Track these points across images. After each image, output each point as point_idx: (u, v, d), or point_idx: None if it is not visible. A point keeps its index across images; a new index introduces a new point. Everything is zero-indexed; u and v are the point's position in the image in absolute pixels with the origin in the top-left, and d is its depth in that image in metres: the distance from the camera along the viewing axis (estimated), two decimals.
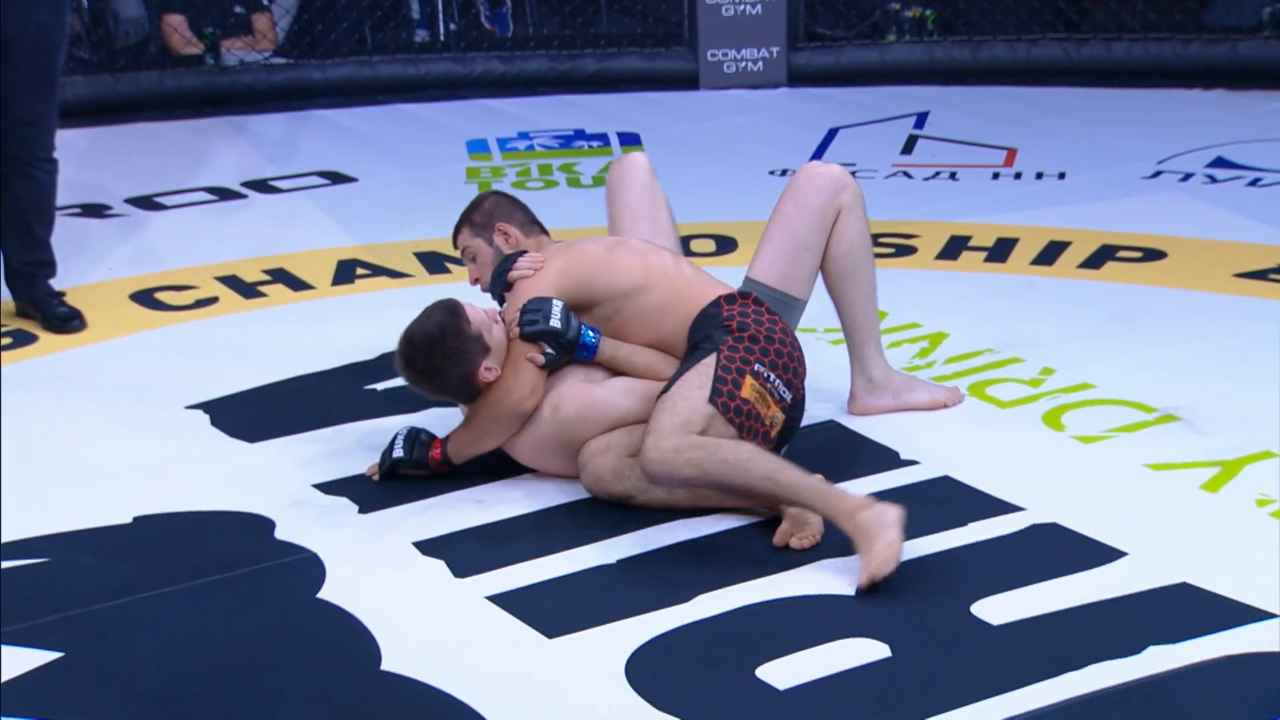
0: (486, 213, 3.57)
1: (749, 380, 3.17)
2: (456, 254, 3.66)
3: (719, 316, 3.31)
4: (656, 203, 3.71)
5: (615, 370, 3.36)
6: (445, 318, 3.26)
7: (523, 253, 3.45)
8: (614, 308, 3.36)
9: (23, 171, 4.38)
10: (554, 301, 3.28)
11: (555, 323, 3.24)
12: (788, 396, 3.25)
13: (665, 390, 3.16)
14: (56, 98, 4.42)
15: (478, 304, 3.37)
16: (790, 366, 3.26)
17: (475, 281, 3.59)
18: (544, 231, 3.60)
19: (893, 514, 2.91)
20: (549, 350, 3.26)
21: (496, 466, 3.37)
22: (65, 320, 4.44)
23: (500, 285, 3.42)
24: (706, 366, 3.17)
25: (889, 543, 2.87)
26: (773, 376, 3.21)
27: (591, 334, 3.31)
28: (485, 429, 3.31)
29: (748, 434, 3.15)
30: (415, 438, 3.37)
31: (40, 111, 4.36)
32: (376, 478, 3.39)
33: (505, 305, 3.39)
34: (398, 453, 3.35)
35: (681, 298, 3.37)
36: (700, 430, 3.08)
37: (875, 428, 3.60)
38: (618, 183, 3.74)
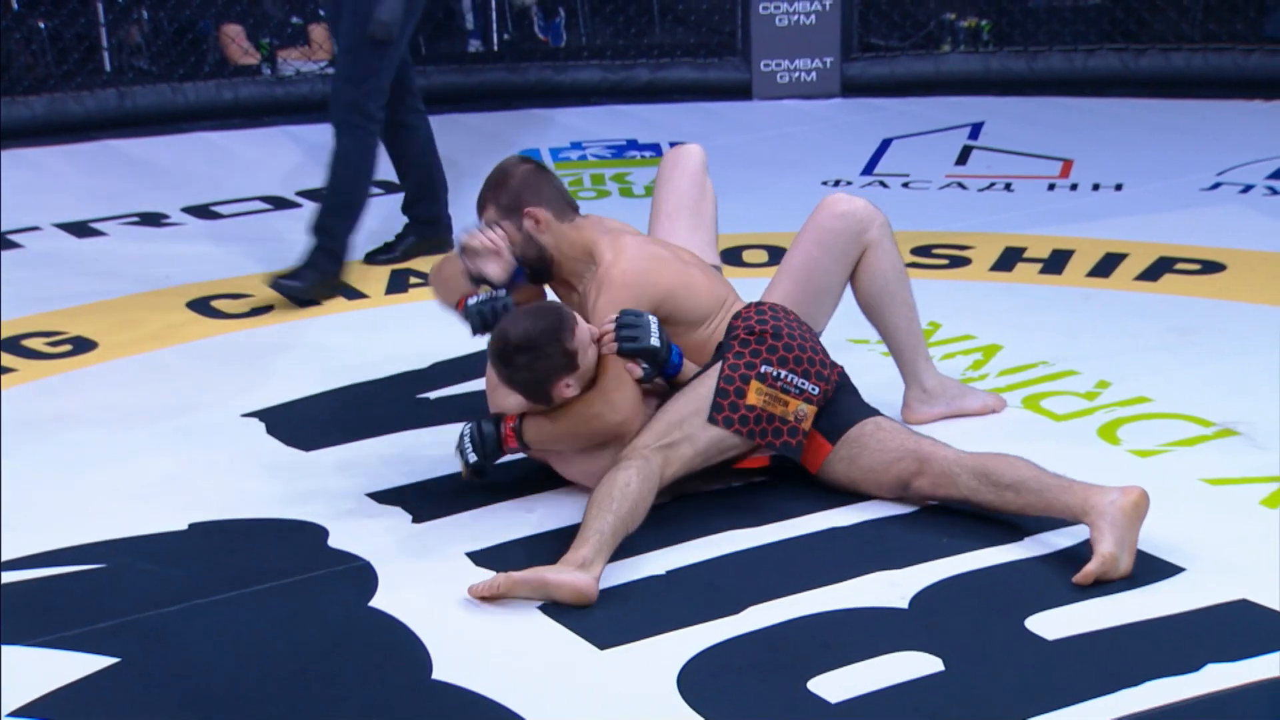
0: (514, 193, 3.37)
1: (754, 385, 3.19)
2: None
3: (731, 329, 3.30)
4: (704, 197, 3.69)
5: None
6: (552, 324, 3.13)
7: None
8: (683, 330, 3.34)
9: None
10: (649, 317, 3.21)
11: (654, 341, 3.19)
12: (810, 388, 3.23)
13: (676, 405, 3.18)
14: (367, 60, 4.82)
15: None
16: (805, 358, 3.24)
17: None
18: (575, 209, 3.44)
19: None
20: (644, 366, 3.21)
21: (547, 477, 3.37)
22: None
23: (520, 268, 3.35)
24: (709, 383, 3.20)
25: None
26: (783, 373, 3.21)
27: (676, 353, 3.27)
28: (576, 434, 3.22)
29: (771, 435, 3.19)
30: (479, 438, 3.26)
31: (350, 75, 4.87)
32: (466, 477, 3.33)
33: (594, 305, 3.27)
34: (471, 458, 3.26)
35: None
36: (707, 448, 3.17)
37: None
38: (670, 170, 3.71)
